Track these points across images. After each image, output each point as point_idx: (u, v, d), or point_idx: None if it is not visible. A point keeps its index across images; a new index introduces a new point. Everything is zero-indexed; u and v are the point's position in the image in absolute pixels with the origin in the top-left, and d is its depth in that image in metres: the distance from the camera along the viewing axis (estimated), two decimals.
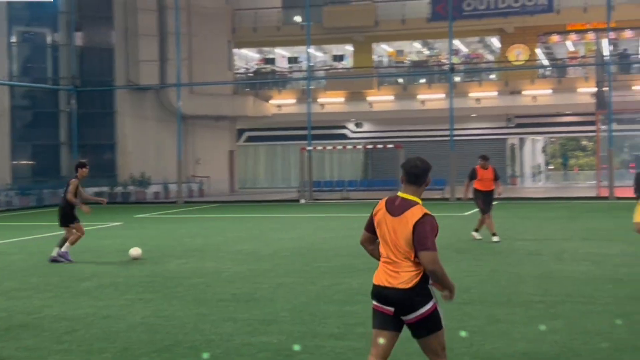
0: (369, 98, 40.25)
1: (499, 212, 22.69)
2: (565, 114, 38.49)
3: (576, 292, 9.66)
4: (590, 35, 39.25)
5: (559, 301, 9.12)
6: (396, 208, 4.96)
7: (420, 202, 4.99)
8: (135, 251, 13.64)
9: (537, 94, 37.76)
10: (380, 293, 4.95)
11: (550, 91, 37.72)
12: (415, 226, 4.83)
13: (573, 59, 41.53)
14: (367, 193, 34.59)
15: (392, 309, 4.91)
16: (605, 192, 27.87)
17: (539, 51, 40.92)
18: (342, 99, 40.64)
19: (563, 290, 9.86)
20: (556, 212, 22.89)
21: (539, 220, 20.31)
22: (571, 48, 42.33)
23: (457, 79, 38.98)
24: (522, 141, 42.73)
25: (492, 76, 41.24)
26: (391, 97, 40.41)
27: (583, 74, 38.73)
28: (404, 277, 4.87)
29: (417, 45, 44.10)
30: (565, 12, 37.61)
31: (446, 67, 35.10)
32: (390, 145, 34.37)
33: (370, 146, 39.44)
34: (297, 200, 32.26)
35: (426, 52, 44.42)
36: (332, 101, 40.63)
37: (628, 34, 39.37)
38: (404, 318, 4.91)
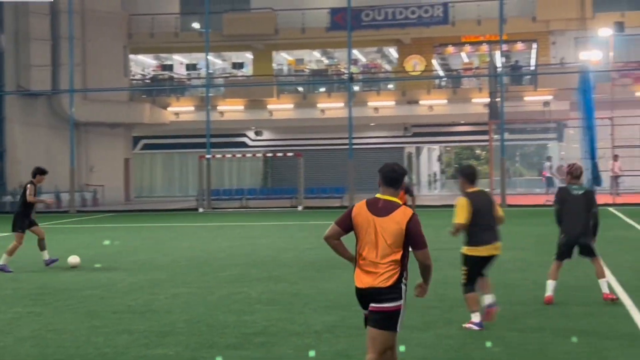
0: (269, 106, 40.27)
1: None
2: (460, 123, 39.59)
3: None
4: (484, 47, 40.58)
5: (454, 306, 9.35)
6: (381, 209, 5.29)
7: (401, 203, 5.38)
8: (73, 259, 13.64)
9: (433, 103, 38.69)
10: (363, 295, 5.29)
11: (445, 101, 38.71)
12: (408, 226, 5.22)
13: (468, 70, 42.81)
14: (266, 201, 34.57)
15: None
16: (497, 200, 28.75)
17: (435, 62, 41.97)
18: (241, 107, 40.49)
19: (458, 295, 10.10)
20: (452, 219, 23.40)
21: (436, 227, 20.70)
22: (466, 59, 43.63)
23: (356, 88, 39.50)
24: (418, 150, 43.66)
25: (390, 86, 42.01)
26: (291, 106, 40.55)
27: (477, 84, 39.96)
28: (384, 276, 5.19)
29: (316, 54, 44.47)
30: (460, 24, 38.75)
31: (345, 77, 35.52)
32: (290, 154, 34.48)
33: (270, 154, 39.45)
34: (196, 209, 31.92)
35: (326, 61, 44.84)
36: (231, 109, 40.41)
37: (520, 46, 40.90)
38: (370, 305, 5.24)
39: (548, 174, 34.12)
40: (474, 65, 42.69)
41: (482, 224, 8.24)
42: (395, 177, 5.40)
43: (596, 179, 28.03)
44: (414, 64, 39.90)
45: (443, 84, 41.89)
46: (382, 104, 39.07)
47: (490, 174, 32.02)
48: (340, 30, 35.93)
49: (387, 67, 45.44)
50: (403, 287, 5.25)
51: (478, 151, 44.48)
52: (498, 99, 31.98)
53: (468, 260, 8.38)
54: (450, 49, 41.76)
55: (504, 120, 30.48)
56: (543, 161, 37.05)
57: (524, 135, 39.81)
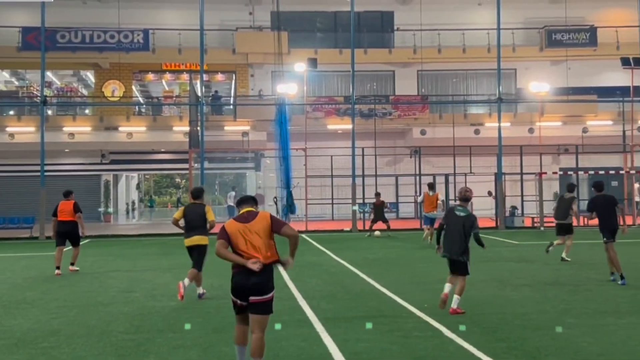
0: None
1: (92, 249, 22.38)
2: (160, 151, 39.51)
3: (167, 328, 9.90)
4: (185, 76, 41.02)
5: (150, 337, 9.26)
6: (248, 217, 7.40)
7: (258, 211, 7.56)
8: None
9: (133, 130, 38.18)
10: (243, 287, 7.06)
11: (145, 128, 38.42)
12: (270, 218, 7.38)
13: (168, 97, 42.94)
14: None
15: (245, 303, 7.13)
16: None
17: (134, 88, 41.54)
18: None
19: (154, 326, 10.03)
20: (149, 248, 23.23)
21: (133, 257, 20.44)
22: (166, 87, 43.74)
23: (49, 112, 37.76)
24: (116, 177, 42.80)
25: (87, 111, 40.79)
26: None
27: (178, 113, 40.21)
28: (265, 274, 7.10)
29: (5, 74, 41.85)
30: (161, 51, 38.86)
31: (38, 99, 33.82)
32: None
33: None
34: None
35: (16, 82, 42.37)
36: None
37: (220, 76, 41.99)
38: (252, 298, 7.05)
39: (230, 203, 34.53)
40: (174, 94, 42.97)
41: (188, 225, 12.56)
42: (251, 197, 7.77)
43: (291, 206, 29.45)
44: (113, 90, 39.17)
45: (143, 111, 41.58)
46: (78, 129, 37.71)
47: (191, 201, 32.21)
48: (33, 51, 34.22)
49: (84, 91, 44.10)
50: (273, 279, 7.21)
51: (178, 179, 44.61)
52: (198, 128, 32.42)
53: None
54: (151, 76, 41.67)
55: (204, 149, 30.98)
56: (228, 191, 37.62)
57: (224, 164, 40.77)
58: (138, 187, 45.03)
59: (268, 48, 37.06)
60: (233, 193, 36.09)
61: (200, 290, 12.55)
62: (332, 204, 36.70)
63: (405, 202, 38.14)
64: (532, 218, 31.21)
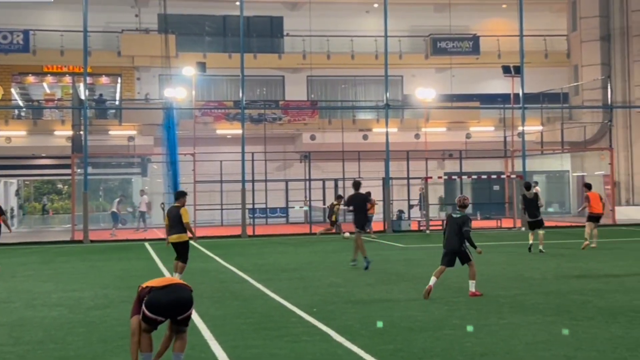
0: None
1: None
2: (41, 156, 38.22)
3: (48, 339, 9.58)
4: (67, 79, 39.87)
5: (31, 349, 8.95)
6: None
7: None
8: None
9: (12, 134, 36.81)
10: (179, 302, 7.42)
11: (25, 132, 37.10)
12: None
13: (50, 100, 41.57)
14: None
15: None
16: (80, 236, 28.24)
17: (14, 91, 40.05)
18: None
19: (34, 337, 9.69)
20: (29, 257, 22.39)
21: (12, 266, 19.65)
22: (48, 90, 42.37)
23: None
24: None
25: None
26: None
27: (60, 116, 39.01)
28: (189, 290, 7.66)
29: None
30: (42, 53, 37.68)
31: None
32: None
33: None
34: None
35: None
36: None
37: (104, 79, 41.03)
38: (179, 317, 7.41)
39: (114, 209, 33.55)
40: (56, 97, 41.66)
41: (170, 224, 14.58)
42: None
43: None
44: None
45: (23, 114, 40.12)
46: None
47: (73, 209, 31.37)
48: None
49: None
50: None
51: (60, 185, 43.28)
52: (82, 132, 31.56)
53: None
54: (31, 78, 40.32)
55: (88, 154, 30.15)
56: (115, 197, 36.34)
57: (109, 169, 39.85)
58: (17, 193, 43.34)
59: (155, 51, 36.57)
60: (117, 200, 34.71)
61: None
62: (222, 209, 36.46)
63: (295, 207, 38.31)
64: (419, 221, 31.96)
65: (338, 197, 27.31)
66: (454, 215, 12.74)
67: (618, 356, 8.12)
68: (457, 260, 12.63)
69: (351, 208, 17.64)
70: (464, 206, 12.92)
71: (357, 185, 17.61)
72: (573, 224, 31.99)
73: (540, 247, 20.08)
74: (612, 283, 13.91)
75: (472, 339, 9.11)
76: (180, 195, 14.80)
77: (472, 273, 12.58)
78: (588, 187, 22.52)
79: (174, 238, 14.56)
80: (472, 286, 12.55)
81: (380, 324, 9.99)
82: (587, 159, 40.26)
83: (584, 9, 40.42)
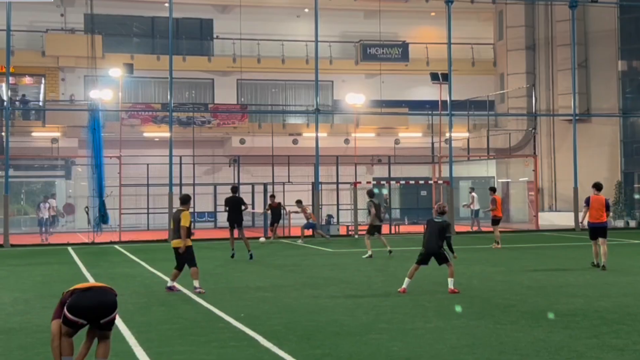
0: None
1: None
2: None
3: None
4: None
5: None
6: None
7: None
8: None
9: None
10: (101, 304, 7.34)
11: None
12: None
13: None
14: None
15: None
16: (0, 240, 27.47)
17: None
18: None
19: None
20: None
21: None
22: None
23: None
24: None
25: None
26: None
27: None
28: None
29: None
30: None
31: None
32: None
33: None
34: None
35: None
36: None
37: (27, 80, 40.04)
38: (102, 321, 7.33)
39: (44, 214, 32.42)
40: None
41: (175, 229, 14.08)
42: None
43: (103, 216, 28.49)
44: None
45: None
46: None
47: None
48: None
49: None
50: None
51: None
52: (3, 134, 30.73)
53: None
54: None
55: (9, 156, 29.37)
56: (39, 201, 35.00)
57: (31, 172, 38.87)
58: None
59: (81, 51, 35.88)
60: (47, 204, 33.09)
61: (170, 283, 14.25)
62: (148, 213, 35.99)
63: (223, 212, 38.03)
64: (347, 226, 32.15)
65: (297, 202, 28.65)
66: (436, 220, 13.64)
67: (540, 359, 8.32)
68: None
69: (227, 208, 20.97)
70: (443, 213, 13.75)
71: (234, 189, 21.42)
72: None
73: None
74: (534, 288, 14.25)
75: (398, 342, 9.21)
76: (187, 200, 14.31)
77: (451, 272, 13.51)
78: (493, 190, 24.81)
79: (175, 243, 14.08)
80: (450, 284, 13.46)
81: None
82: (512, 165, 41.18)
83: (510, 19, 41.35)
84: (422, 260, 13.61)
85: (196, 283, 13.91)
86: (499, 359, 8.34)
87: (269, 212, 29.00)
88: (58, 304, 7.50)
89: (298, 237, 28.11)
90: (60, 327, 7.30)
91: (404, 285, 13.51)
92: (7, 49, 29.20)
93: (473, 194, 34.25)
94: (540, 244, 26.04)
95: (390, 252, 21.11)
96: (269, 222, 29.29)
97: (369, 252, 20.52)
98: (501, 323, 10.46)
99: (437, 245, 13.45)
